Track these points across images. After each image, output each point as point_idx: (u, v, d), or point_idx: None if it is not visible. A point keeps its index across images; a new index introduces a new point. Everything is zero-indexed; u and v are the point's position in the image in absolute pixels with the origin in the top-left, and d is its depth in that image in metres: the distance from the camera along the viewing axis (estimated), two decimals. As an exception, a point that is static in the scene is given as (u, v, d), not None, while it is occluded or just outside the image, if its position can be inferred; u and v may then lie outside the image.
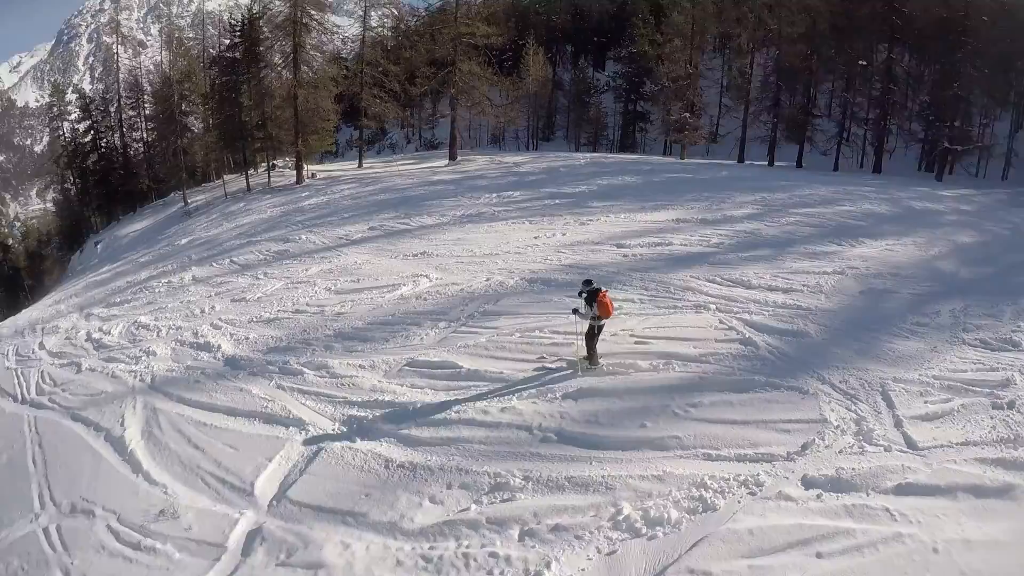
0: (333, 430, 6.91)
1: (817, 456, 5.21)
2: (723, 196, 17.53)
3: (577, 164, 27.22)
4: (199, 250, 20.04)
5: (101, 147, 46.18)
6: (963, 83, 25.49)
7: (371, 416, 7.01)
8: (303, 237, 17.54)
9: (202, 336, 10.57)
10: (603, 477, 5.19)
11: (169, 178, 40.17)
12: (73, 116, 46.65)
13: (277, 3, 31.23)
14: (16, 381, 10.60)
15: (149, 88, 46.23)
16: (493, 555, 4.65)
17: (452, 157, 32.85)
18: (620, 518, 4.77)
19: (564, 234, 14.10)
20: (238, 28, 34.46)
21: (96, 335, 12.29)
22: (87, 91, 57.62)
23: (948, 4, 26.09)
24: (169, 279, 16.35)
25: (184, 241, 22.98)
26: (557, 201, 18.54)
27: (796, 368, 6.77)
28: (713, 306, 8.72)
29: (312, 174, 33.04)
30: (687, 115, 32.58)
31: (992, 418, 5.66)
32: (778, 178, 22.30)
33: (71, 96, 51.28)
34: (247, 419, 7.48)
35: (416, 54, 36.90)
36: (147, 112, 44.94)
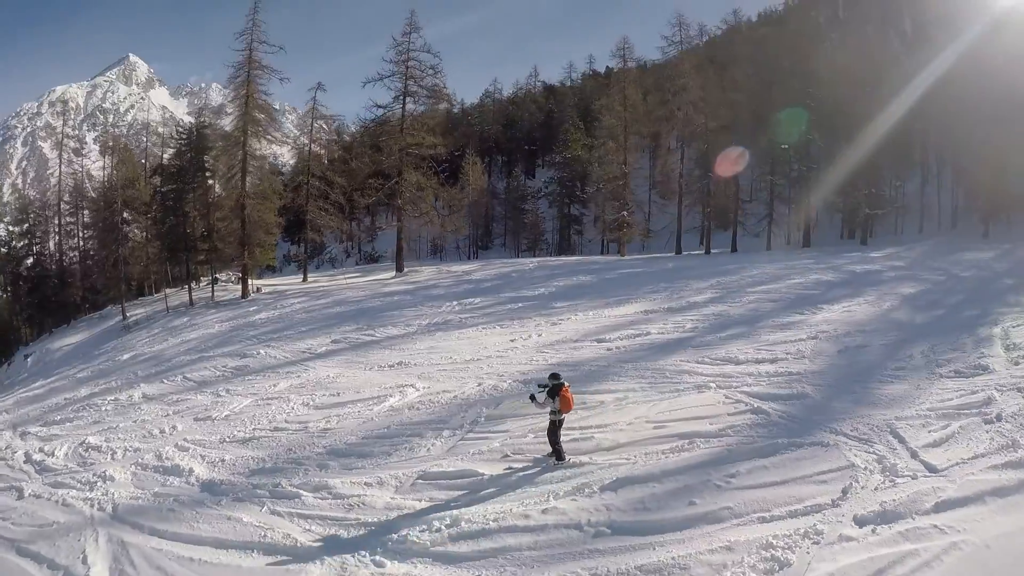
0: (353, 556, 6.48)
1: (858, 497, 5.94)
2: (679, 285, 19.34)
3: (526, 269, 29.03)
4: (144, 366, 19.80)
5: (35, 252, 45.34)
6: (873, 154, 29.98)
7: (395, 536, 6.71)
8: (261, 352, 17.67)
9: (167, 459, 10.18)
10: (673, 559, 5.47)
11: (107, 290, 39.50)
12: (7, 219, 46.32)
13: (227, 111, 32.94)
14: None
15: (91, 194, 46.34)
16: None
17: (399, 268, 34.15)
18: (706, 595, 5.09)
19: (540, 335, 14.94)
20: (184, 136, 36.07)
21: (37, 456, 11.69)
22: (29, 193, 56.79)
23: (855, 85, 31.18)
24: (116, 396, 15.90)
25: (126, 356, 22.69)
26: (520, 304, 19.70)
27: (809, 426, 7.61)
28: (712, 384, 9.59)
29: (257, 288, 33.46)
30: (624, 213, 35.76)
31: (988, 432, 6.97)
32: (723, 263, 24.87)
33: (8, 197, 50.87)
34: (242, 551, 7.01)
35: (361, 165, 39.01)
36: (85, 219, 45.14)
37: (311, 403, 12.19)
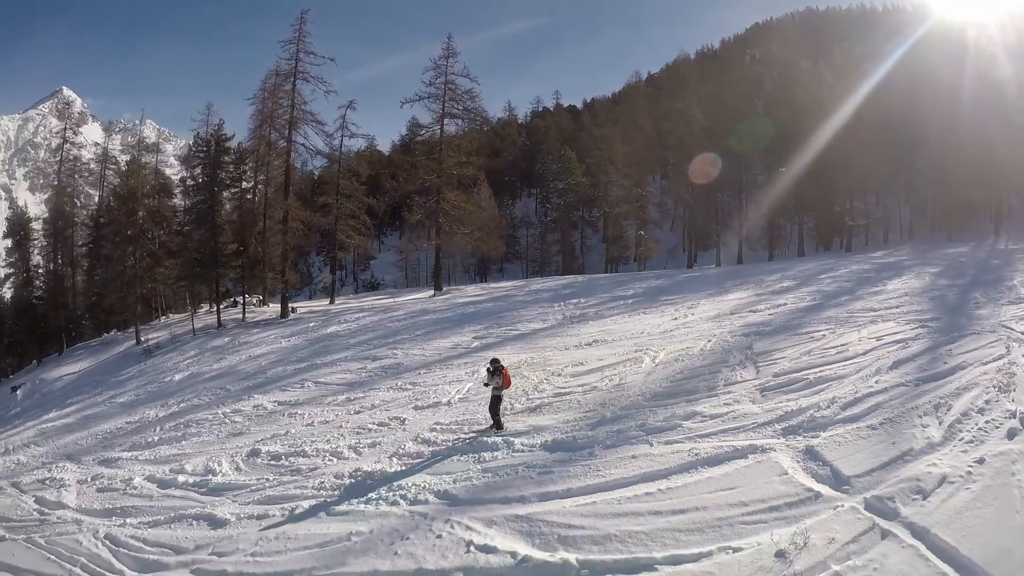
0: (789, 438, 8.51)
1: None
2: (754, 280, 24.77)
3: (578, 282, 32.96)
4: (227, 381, 20.52)
5: (22, 272, 44.09)
6: (854, 174, 37.96)
7: (802, 418, 9.27)
8: (396, 352, 19.36)
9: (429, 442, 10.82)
10: None
11: (118, 312, 38.07)
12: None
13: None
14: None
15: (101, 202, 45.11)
16: None
17: (438, 288, 36.76)
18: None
19: (693, 313, 19.11)
20: (202, 149, 36.95)
21: (188, 478, 11.25)
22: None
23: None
24: (226, 409, 16.27)
25: (179, 377, 23.41)
26: (631, 300, 23.84)
27: (959, 328, 12.78)
28: (882, 319, 14.89)
29: (293, 308, 34.72)
30: (641, 232, 42.22)
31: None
32: (758, 268, 30.86)
33: None
34: (686, 472, 7.93)
35: (399, 183, 41.30)
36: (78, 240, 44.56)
37: (564, 372, 14.14)
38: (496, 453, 9.78)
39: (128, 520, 9.93)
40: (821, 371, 11.41)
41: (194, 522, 9.20)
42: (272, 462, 11.33)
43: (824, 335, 13.90)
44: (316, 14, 36.72)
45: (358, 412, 14.04)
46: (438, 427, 11.81)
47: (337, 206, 37.83)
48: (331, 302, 38.72)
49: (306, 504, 8.99)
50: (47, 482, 13.19)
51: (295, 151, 36.30)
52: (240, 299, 37.30)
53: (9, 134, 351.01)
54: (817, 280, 22.82)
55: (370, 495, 8.87)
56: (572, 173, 49.37)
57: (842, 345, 13.01)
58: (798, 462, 7.88)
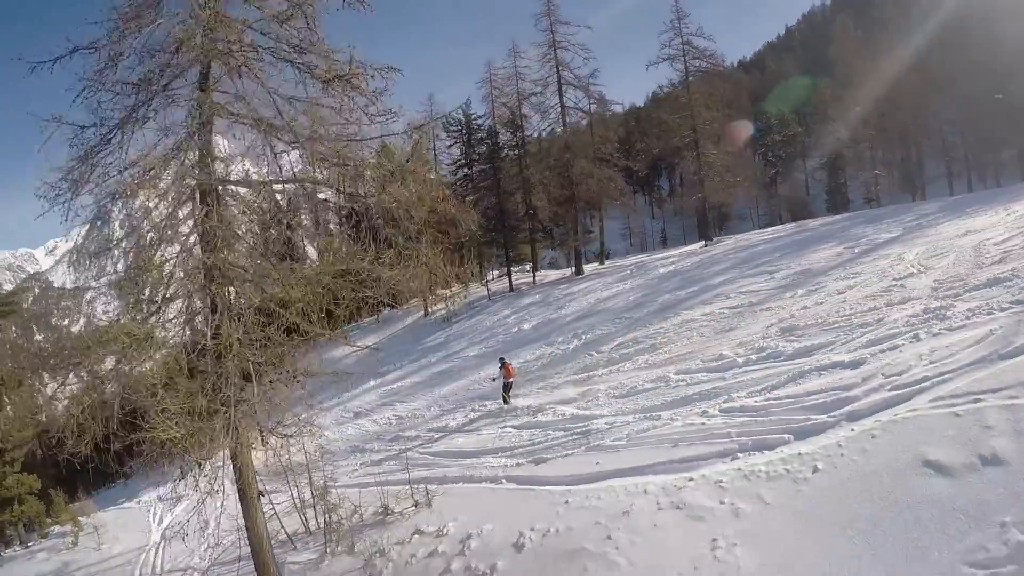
0: None
1: None
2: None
3: (854, 216, 34.61)
4: (601, 318, 22.10)
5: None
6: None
7: None
8: (784, 266, 21.17)
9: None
10: None
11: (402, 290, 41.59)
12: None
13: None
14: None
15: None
16: None
17: (708, 238, 39.14)
18: None
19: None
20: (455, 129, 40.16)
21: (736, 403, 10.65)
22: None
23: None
24: (665, 323, 18.17)
25: (526, 326, 25.64)
26: (937, 213, 25.71)
27: None
28: None
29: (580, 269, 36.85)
30: (876, 172, 42.20)
31: None
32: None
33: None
34: None
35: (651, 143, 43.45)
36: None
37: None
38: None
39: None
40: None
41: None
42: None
43: None
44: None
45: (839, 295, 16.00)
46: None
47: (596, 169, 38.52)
48: (601, 263, 41.39)
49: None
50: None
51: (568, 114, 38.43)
52: (528, 265, 39.92)
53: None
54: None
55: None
56: (788, 124, 50.04)
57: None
58: None
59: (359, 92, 8.23)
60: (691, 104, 38.51)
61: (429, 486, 11.49)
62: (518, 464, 11.59)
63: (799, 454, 8.00)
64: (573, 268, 38.41)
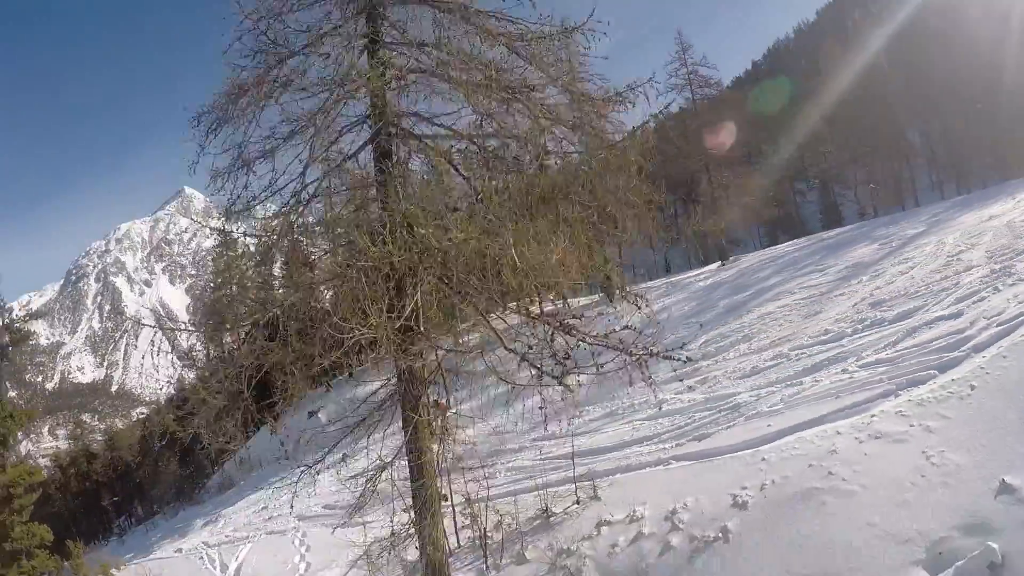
0: None
1: None
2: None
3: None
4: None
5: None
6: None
7: None
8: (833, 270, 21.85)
9: None
10: None
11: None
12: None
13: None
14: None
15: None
16: None
17: (724, 259, 39.60)
18: None
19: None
20: None
21: None
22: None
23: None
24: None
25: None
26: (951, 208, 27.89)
27: None
28: None
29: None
30: (872, 185, 45.32)
31: None
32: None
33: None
34: None
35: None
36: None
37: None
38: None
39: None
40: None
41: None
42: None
43: None
44: None
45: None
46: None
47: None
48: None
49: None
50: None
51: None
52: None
53: (143, 235, 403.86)
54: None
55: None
56: (781, 147, 53.30)
57: None
58: None
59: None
60: (699, 130, 41.09)
61: (585, 482, 10.93)
62: (677, 445, 11.58)
63: (952, 380, 8.88)
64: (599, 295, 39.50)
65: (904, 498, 6.70)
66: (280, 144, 7.81)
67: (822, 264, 23.73)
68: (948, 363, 9.85)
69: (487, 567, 10.17)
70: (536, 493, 11.04)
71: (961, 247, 18.17)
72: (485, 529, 10.55)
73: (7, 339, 30.60)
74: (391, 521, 12.14)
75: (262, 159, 7.93)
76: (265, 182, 8.03)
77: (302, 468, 9.14)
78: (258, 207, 8.26)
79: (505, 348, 7.95)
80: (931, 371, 9.82)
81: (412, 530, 11.26)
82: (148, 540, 32.94)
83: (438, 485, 8.99)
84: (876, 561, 6.15)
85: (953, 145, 46.75)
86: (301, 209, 8.21)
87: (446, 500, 11.01)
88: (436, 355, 8.29)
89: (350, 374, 44.82)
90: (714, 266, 40.17)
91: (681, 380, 14.23)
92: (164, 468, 65.96)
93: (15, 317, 31.36)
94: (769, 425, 10.31)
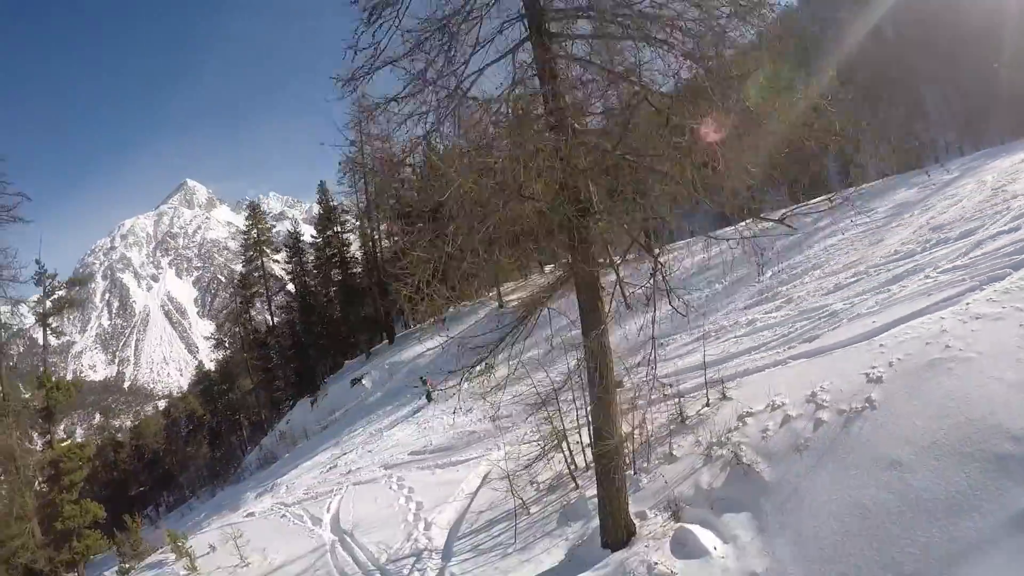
0: None
1: None
2: None
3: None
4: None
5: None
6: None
7: None
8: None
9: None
10: None
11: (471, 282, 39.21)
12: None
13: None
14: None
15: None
16: None
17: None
18: None
19: None
20: None
21: None
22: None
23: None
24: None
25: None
26: None
27: None
28: None
29: None
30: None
31: None
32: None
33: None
34: None
35: None
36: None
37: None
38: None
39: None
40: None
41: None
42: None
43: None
44: None
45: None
46: None
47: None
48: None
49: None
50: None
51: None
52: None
53: (148, 230, 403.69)
54: None
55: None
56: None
57: None
58: None
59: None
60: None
61: (714, 386, 11.46)
62: (788, 347, 12.31)
63: (1027, 274, 10.08)
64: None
65: (1019, 356, 7.73)
66: (427, 38, 7.61)
67: (867, 207, 24.22)
68: (1020, 263, 10.96)
69: (635, 471, 10.44)
70: (664, 402, 11.67)
71: (1003, 182, 18.99)
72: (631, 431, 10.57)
73: (49, 305, 31.14)
74: (518, 451, 13.74)
75: (409, 56, 7.74)
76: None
77: (462, 369, 8.87)
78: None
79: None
80: (1006, 270, 10.92)
81: (546, 451, 12.61)
82: (190, 520, 33.62)
83: (612, 373, 8.77)
84: (1011, 404, 7.10)
85: (971, 107, 47.50)
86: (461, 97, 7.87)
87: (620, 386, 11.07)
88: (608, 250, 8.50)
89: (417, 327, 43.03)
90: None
91: (766, 300, 15.44)
92: (194, 452, 67.33)
93: (58, 283, 31.14)
94: (873, 322, 11.30)
